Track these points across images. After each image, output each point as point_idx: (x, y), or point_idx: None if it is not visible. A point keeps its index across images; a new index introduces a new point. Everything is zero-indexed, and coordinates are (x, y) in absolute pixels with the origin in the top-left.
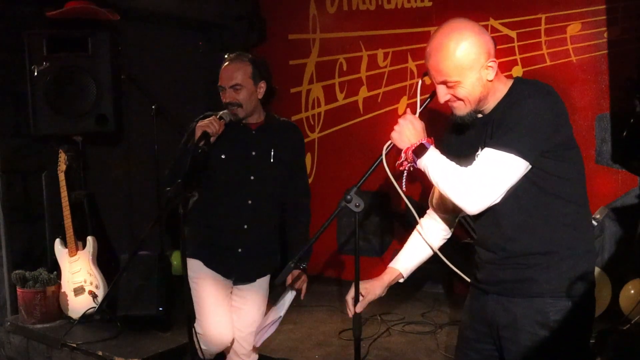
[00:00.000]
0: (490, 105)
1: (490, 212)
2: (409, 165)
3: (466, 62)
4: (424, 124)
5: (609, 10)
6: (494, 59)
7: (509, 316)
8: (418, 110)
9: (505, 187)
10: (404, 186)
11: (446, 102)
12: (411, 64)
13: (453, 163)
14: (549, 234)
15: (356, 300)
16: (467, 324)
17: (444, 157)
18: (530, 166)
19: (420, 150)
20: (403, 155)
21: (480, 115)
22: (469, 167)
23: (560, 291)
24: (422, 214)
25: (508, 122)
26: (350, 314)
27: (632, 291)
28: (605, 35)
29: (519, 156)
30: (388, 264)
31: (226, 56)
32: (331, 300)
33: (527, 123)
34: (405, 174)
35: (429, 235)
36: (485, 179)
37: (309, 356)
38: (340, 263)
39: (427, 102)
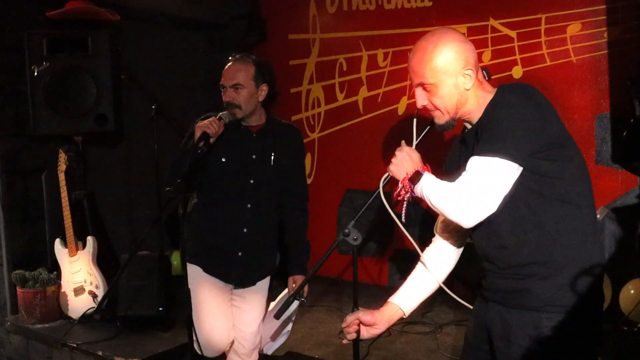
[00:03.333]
0: (477, 115)
1: (486, 222)
2: (407, 195)
3: (442, 66)
4: (420, 155)
5: (609, 10)
6: (472, 68)
7: (504, 326)
8: (414, 143)
9: (498, 194)
10: (403, 217)
11: (424, 107)
12: None
13: (447, 182)
14: (546, 240)
15: (355, 302)
16: (470, 328)
17: (438, 180)
18: (521, 168)
19: (415, 177)
20: (400, 185)
21: (469, 126)
22: (458, 179)
23: (558, 305)
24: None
25: (489, 126)
26: (349, 338)
27: (632, 291)
28: (605, 35)
29: (506, 159)
30: (388, 264)
31: (231, 56)
32: (331, 301)
33: (508, 124)
34: (405, 205)
35: (433, 268)
36: (476, 189)
37: (309, 356)
38: (340, 263)
39: (423, 134)
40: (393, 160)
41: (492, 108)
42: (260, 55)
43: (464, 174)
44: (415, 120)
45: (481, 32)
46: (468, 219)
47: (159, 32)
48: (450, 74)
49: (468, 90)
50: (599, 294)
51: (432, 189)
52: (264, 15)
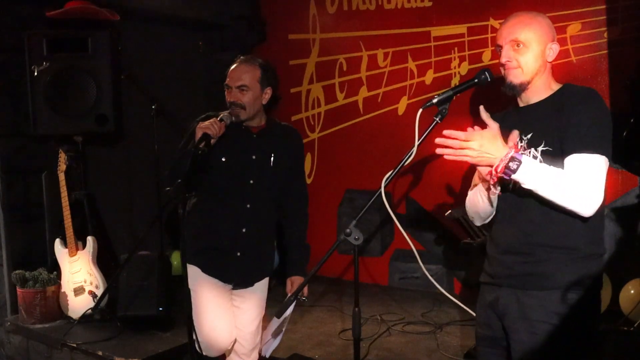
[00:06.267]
0: (541, 93)
1: (515, 195)
2: (501, 176)
3: (537, 30)
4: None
5: (609, 10)
6: (557, 45)
7: (521, 307)
8: (417, 143)
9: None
10: (497, 190)
11: (504, 64)
12: (411, 64)
13: (554, 169)
14: (570, 229)
15: (355, 302)
16: (480, 322)
17: (541, 165)
18: None
19: (512, 163)
20: (493, 171)
21: (530, 103)
22: (573, 169)
23: (573, 284)
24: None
25: (591, 120)
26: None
27: (632, 291)
28: (605, 35)
29: (607, 160)
30: (388, 264)
31: (237, 57)
32: (331, 300)
33: (606, 126)
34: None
35: None
36: (594, 182)
37: (309, 356)
38: (340, 263)
39: (426, 133)
40: (470, 153)
41: (587, 99)
42: (261, 55)
43: (577, 164)
44: (418, 116)
45: (481, 32)
46: (588, 209)
47: (159, 32)
48: (541, 41)
49: (549, 63)
50: (601, 279)
51: (538, 178)
52: (264, 16)
